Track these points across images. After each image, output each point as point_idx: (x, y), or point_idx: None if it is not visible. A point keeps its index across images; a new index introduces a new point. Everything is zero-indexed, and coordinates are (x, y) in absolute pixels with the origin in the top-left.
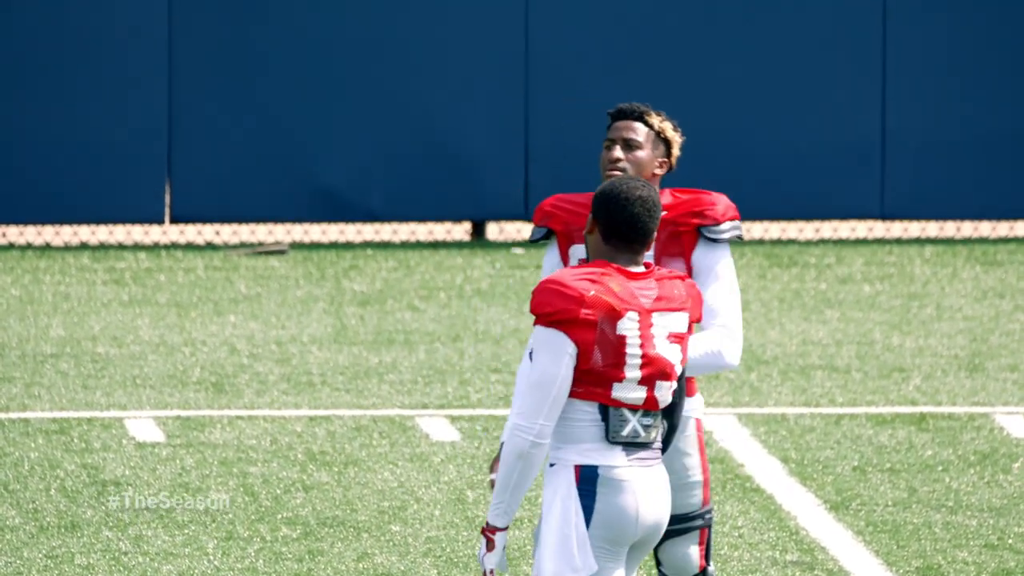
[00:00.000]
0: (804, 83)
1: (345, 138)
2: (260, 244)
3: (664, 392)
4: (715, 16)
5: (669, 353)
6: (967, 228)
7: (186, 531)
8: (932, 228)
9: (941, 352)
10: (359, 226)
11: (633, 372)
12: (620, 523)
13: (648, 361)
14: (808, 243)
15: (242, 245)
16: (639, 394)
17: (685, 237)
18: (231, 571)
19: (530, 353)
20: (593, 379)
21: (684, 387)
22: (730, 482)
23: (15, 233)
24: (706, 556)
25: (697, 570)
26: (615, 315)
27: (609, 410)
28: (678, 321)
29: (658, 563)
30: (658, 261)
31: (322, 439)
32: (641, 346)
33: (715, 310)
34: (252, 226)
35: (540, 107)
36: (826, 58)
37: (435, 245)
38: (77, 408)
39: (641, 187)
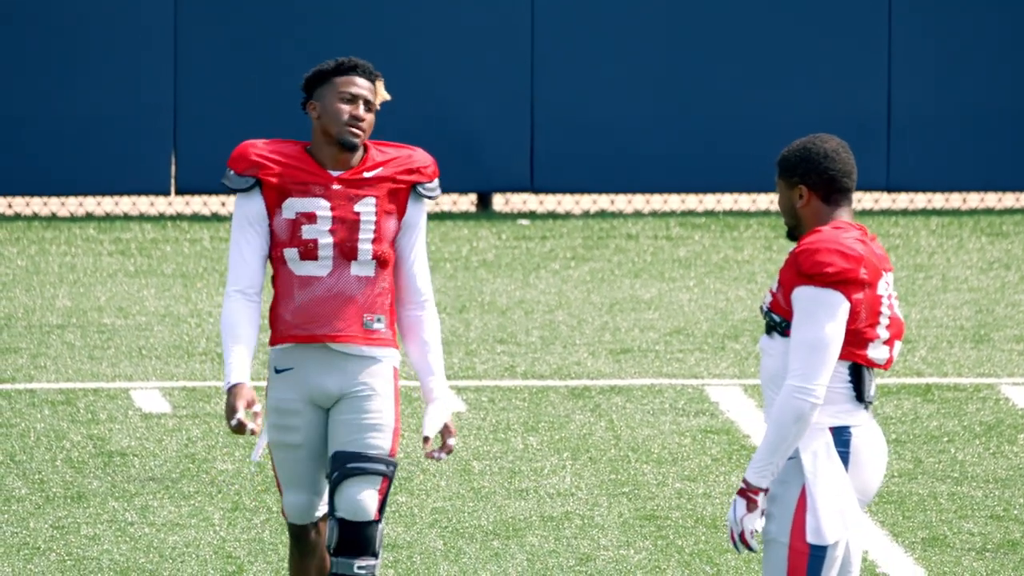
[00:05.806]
0: (811, 57)
1: None
2: None
3: (896, 353)
4: None
5: (901, 314)
6: (973, 199)
7: (192, 502)
8: (938, 199)
9: (947, 323)
10: None
11: (883, 332)
12: (869, 480)
13: (892, 322)
14: None
15: None
16: (884, 354)
17: (401, 194)
18: (237, 541)
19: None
20: (852, 339)
21: None
22: (736, 453)
23: (21, 204)
24: (380, 509)
25: (371, 518)
26: (878, 276)
27: (863, 370)
28: (892, 282)
29: (332, 508)
30: (379, 219)
31: None
32: (889, 307)
33: (420, 286)
34: None
35: (546, 78)
36: (832, 33)
37: (441, 216)
38: (83, 379)
39: (828, 137)
